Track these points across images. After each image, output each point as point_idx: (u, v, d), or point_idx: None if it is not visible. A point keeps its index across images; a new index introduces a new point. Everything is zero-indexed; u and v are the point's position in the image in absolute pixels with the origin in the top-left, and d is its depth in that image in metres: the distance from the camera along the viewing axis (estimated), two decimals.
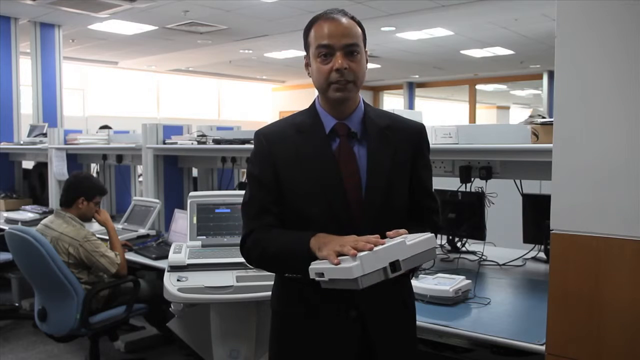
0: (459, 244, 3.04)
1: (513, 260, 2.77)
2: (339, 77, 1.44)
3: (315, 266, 1.33)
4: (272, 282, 1.65)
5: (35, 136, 5.23)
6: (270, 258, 1.50)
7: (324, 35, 1.45)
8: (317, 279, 1.31)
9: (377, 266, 1.27)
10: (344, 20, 1.47)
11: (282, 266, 1.51)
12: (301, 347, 1.55)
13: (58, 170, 4.57)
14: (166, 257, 2.64)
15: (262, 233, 1.50)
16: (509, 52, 10.43)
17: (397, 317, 1.58)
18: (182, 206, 3.44)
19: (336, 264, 1.28)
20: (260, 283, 2.21)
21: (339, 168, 1.49)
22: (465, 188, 2.67)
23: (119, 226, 3.67)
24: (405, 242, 1.31)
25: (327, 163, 1.49)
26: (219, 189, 3.98)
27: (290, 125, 1.55)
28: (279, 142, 1.53)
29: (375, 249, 1.28)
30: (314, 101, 1.57)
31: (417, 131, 1.59)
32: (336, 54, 1.44)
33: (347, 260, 1.27)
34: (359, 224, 1.44)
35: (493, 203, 2.79)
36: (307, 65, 1.52)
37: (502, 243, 3.04)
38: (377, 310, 1.50)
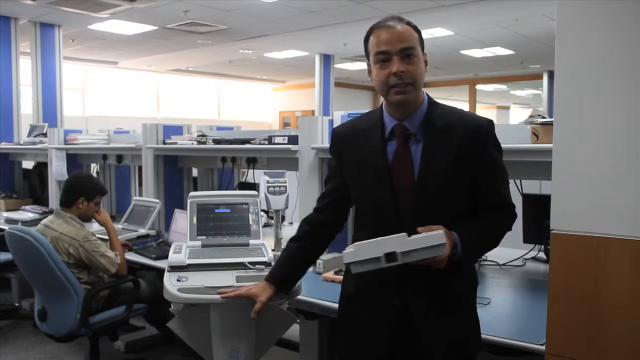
0: None
1: (513, 260, 2.77)
2: (398, 80, 1.52)
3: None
4: None
5: (35, 136, 5.22)
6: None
7: (381, 42, 1.53)
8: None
9: (371, 255, 1.45)
10: (399, 26, 1.54)
11: None
12: (347, 325, 1.70)
13: (58, 171, 4.56)
14: (166, 257, 2.64)
15: (306, 219, 1.83)
16: (509, 52, 10.44)
17: (444, 310, 1.58)
18: (182, 206, 3.44)
19: None
20: None
21: (391, 171, 1.56)
22: None
23: (119, 226, 3.66)
24: (406, 236, 1.45)
25: (381, 166, 1.57)
26: (219, 189, 3.98)
27: (357, 125, 1.69)
28: (344, 140, 1.69)
29: (372, 240, 1.46)
30: (382, 102, 1.65)
31: (476, 128, 1.56)
32: (393, 59, 1.52)
33: (350, 247, 1.50)
34: (408, 223, 1.51)
35: None
36: (369, 72, 1.61)
37: (502, 243, 3.01)
38: (421, 300, 1.56)
